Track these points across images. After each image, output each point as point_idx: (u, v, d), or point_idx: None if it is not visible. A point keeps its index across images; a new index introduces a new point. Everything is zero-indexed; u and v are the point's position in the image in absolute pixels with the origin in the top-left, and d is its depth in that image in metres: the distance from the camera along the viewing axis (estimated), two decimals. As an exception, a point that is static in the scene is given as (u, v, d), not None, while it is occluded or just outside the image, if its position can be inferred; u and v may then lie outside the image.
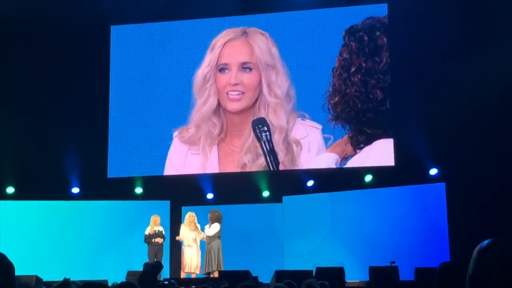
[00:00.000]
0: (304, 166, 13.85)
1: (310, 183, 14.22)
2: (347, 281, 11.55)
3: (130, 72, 14.72)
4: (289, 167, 13.75)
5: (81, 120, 14.31)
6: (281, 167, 13.70)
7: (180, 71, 14.47)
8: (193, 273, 13.45)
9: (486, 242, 1.92)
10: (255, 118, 13.83)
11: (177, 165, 14.26)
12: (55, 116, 14.29)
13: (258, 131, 13.69)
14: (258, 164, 13.77)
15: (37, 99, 14.25)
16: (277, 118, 13.75)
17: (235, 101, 13.94)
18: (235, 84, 13.93)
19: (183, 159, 14.20)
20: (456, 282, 3.04)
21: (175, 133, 14.25)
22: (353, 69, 13.64)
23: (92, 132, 14.50)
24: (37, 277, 11.17)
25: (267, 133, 13.65)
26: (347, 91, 13.62)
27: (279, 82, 13.87)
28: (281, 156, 13.66)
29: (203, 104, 14.10)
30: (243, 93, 13.91)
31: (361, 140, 13.49)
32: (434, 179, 13.02)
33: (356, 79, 13.59)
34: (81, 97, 14.25)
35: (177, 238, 13.65)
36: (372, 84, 13.51)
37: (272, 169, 13.68)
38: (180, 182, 14.48)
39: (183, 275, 13.49)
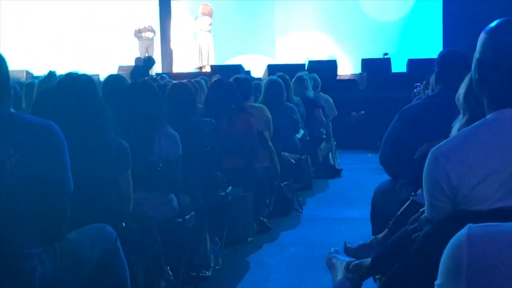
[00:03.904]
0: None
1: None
2: (339, 74, 11.58)
3: None
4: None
5: None
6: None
7: None
8: (185, 68, 13.41)
9: (494, 23, 1.77)
10: None
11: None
12: None
13: None
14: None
15: None
16: None
17: None
18: None
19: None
20: (458, 68, 2.94)
21: None
22: None
23: None
24: (27, 71, 11.09)
25: None
26: None
27: None
28: None
29: None
30: None
31: None
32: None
33: None
34: None
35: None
36: None
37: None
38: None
39: (175, 70, 13.47)
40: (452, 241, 1.29)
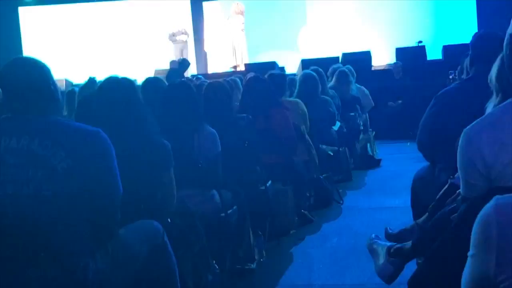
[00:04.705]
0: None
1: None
2: (374, 64, 11.54)
3: None
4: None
5: None
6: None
7: None
8: (220, 68, 13.50)
9: None
10: None
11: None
12: None
13: None
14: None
15: None
16: None
17: None
18: None
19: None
20: (492, 49, 2.94)
21: None
22: None
23: None
24: (66, 80, 11.32)
25: None
26: None
27: None
28: None
29: None
30: None
31: None
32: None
33: None
34: None
35: None
36: None
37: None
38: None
39: (210, 71, 13.58)
40: (481, 212, 1.34)
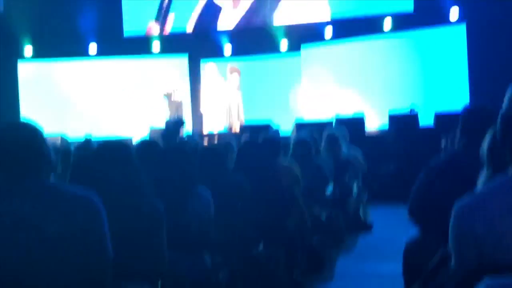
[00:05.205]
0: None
1: (328, 32, 13.92)
2: (367, 129, 11.64)
3: None
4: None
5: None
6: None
7: None
8: (215, 128, 13.61)
9: None
10: None
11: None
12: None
13: None
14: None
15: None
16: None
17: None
18: None
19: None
20: (482, 122, 3.00)
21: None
22: None
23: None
24: (62, 137, 11.34)
25: None
26: None
27: None
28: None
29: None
30: None
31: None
32: (454, 20, 12.65)
33: None
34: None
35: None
36: None
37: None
38: (197, 37, 14.32)
39: (205, 130, 13.68)
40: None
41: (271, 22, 13.82)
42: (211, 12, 14.07)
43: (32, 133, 2.31)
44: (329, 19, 13.52)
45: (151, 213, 2.90)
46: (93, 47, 14.50)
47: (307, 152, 6.44)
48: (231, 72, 13.49)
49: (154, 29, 14.34)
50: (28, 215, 2.17)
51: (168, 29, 14.36)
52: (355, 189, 7.88)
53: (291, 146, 6.59)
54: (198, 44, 14.37)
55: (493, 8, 11.65)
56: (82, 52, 14.39)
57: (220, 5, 13.98)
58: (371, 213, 8.60)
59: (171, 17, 14.27)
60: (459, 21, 12.56)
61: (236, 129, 12.90)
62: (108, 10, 14.18)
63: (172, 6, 14.29)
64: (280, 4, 13.64)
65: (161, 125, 11.88)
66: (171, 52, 14.55)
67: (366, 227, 7.84)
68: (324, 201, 6.55)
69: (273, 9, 13.70)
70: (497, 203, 1.77)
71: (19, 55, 14.35)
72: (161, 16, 14.28)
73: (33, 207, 2.18)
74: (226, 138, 7.55)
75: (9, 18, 13.73)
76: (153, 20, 14.33)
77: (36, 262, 2.14)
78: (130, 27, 14.43)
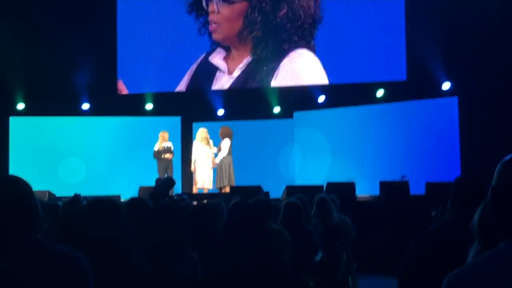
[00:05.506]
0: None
1: (321, 98, 14.12)
2: (358, 195, 11.64)
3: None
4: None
5: (90, 35, 14.11)
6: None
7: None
8: (205, 188, 13.58)
9: (510, 155, 1.87)
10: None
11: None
12: (64, 31, 14.05)
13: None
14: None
15: (47, 15, 13.99)
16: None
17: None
18: None
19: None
20: (473, 195, 3.01)
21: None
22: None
23: (101, 48, 14.36)
24: (49, 192, 11.30)
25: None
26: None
27: None
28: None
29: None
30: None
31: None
32: (446, 93, 12.88)
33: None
34: (90, 12, 14.03)
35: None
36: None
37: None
38: (190, 98, 14.45)
39: (195, 190, 13.64)
40: None
41: (268, 84, 13.98)
42: (205, 72, 14.24)
43: (21, 187, 2.26)
44: (326, 82, 13.70)
45: (138, 274, 2.86)
46: (86, 106, 14.58)
47: (297, 216, 6.39)
48: (223, 136, 13.57)
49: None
50: (13, 273, 2.12)
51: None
52: (344, 256, 7.80)
53: (281, 210, 6.54)
54: (191, 105, 14.50)
55: (485, 84, 11.88)
56: (75, 110, 14.47)
57: (216, 65, 14.16)
58: (360, 281, 8.50)
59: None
60: (451, 94, 12.78)
61: (227, 190, 12.87)
62: (102, 69, 14.31)
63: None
64: (278, 68, 13.83)
65: (150, 183, 11.84)
66: (164, 114, 14.67)
67: (354, 295, 7.73)
68: (312, 268, 6.47)
69: (269, 72, 13.88)
70: (488, 276, 1.76)
71: (12, 111, 14.39)
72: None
73: (19, 265, 2.14)
74: (216, 198, 7.50)
75: (3, 73, 13.84)
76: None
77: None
78: (124, 86, 14.56)
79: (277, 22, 13.72)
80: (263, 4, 13.70)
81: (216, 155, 13.56)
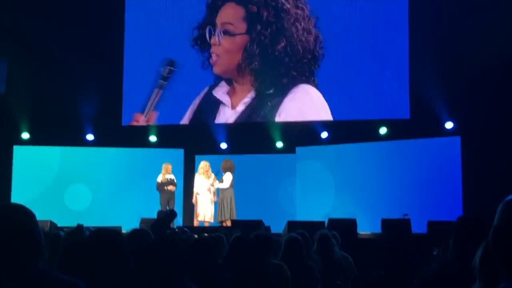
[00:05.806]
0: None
1: (324, 134, 14.16)
2: (359, 232, 11.60)
3: (145, 19, 14.60)
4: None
5: (96, 67, 14.23)
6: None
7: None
8: (206, 221, 13.55)
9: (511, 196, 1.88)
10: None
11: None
12: (70, 62, 14.17)
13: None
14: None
15: (53, 46, 14.13)
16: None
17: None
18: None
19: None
20: (475, 234, 3.01)
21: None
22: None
23: (107, 79, 14.47)
24: (51, 222, 11.28)
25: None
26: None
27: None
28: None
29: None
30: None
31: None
32: (449, 132, 12.92)
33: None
34: (97, 44, 14.17)
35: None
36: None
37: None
38: (194, 131, 14.50)
39: (196, 223, 13.61)
40: None
41: (272, 119, 14.01)
42: (209, 106, 14.30)
43: (24, 215, 2.27)
44: (331, 119, 13.72)
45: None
46: (90, 137, 14.63)
47: (298, 251, 6.36)
48: (225, 170, 13.59)
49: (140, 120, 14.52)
50: None
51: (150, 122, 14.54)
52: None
53: (282, 245, 6.52)
54: (194, 138, 14.55)
55: (487, 124, 11.93)
56: (79, 141, 14.51)
57: (220, 99, 14.23)
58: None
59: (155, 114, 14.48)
60: (454, 133, 12.82)
61: (228, 224, 12.84)
62: (108, 100, 14.39)
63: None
64: (282, 103, 13.87)
65: (152, 215, 11.83)
66: (167, 146, 14.71)
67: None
68: (313, 305, 6.41)
69: (274, 107, 13.92)
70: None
71: (16, 140, 14.45)
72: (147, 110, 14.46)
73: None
74: (217, 232, 7.48)
75: (9, 100, 13.93)
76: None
77: None
78: (129, 118, 14.62)
79: (275, 56, 13.81)
80: (262, 37, 13.80)
81: (217, 190, 13.60)
